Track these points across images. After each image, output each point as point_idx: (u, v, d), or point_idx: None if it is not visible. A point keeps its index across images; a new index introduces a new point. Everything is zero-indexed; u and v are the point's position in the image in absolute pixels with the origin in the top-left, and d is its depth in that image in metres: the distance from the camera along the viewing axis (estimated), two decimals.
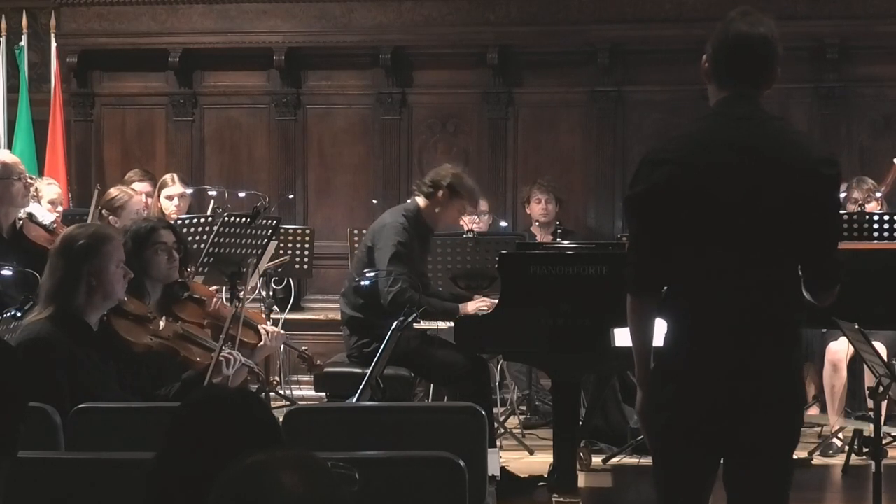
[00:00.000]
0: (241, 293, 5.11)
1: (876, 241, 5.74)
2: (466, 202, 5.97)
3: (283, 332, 4.94)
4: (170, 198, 7.00)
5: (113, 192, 6.53)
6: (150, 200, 7.08)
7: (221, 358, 4.26)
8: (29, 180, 5.61)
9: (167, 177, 7.19)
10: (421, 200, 5.95)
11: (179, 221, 5.97)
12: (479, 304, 5.87)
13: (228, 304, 5.25)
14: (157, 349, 4.24)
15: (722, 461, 3.13)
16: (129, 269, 4.08)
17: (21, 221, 5.45)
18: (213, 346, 4.37)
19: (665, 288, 3.12)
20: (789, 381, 3.08)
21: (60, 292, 3.95)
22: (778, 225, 3.01)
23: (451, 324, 5.91)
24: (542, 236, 7.70)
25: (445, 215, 5.97)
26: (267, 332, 4.77)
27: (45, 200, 6.65)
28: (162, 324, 4.30)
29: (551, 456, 5.37)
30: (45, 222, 5.59)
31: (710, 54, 3.13)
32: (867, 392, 4.58)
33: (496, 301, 5.74)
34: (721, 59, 3.10)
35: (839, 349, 6.32)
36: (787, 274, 3.08)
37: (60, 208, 6.85)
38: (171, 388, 4.20)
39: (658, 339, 3.15)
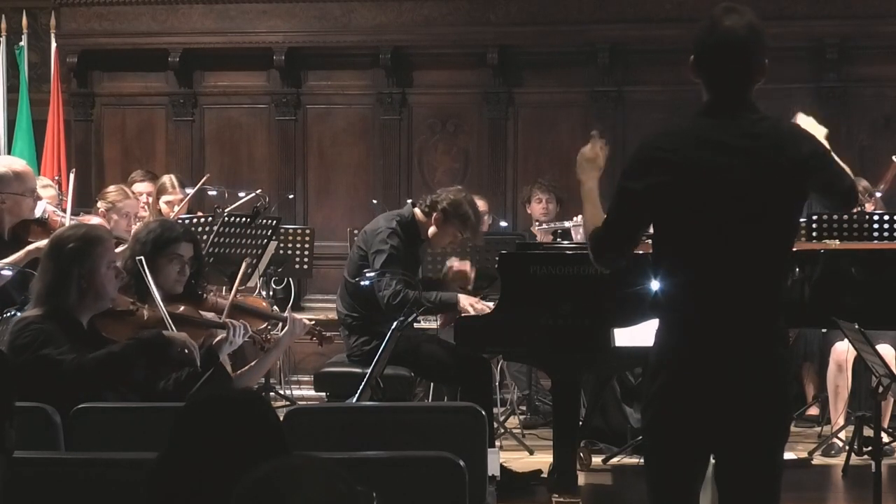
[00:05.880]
0: (236, 276, 5.07)
1: (876, 241, 5.73)
2: (458, 229, 5.98)
3: (306, 320, 4.90)
4: (169, 204, 6.99)
5: (111, 189, 6.57)
6: (150, 200, 7.09)
7: (229, 326, 4.23)
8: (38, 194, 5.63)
9: (166, 181, 7.11)
10: (419, 213, 5.97)
11: (179, 221, 5.96)
12: (473, 301, 5.87)
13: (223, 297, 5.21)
14: None
15: (713, 457, 3.14)
16: (121, 270, 4.07)
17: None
18: (204, 322, 4.31)
19: (658, 287, 3.14)
20: (778, 376, 3.09)
21: (51, 294, 3.93)
22: (770, 221, 3.04)
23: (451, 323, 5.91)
24: (542, 236, 7.70)
25: (437, 236, 5.98)
26: (279, 321, 4.72)
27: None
28: (146, 313, 4.19)
29: (551, 456, 5.36)
30: (36, 217, 5.57)
31: (695, 52, 3.13)
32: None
33: (487, 301, 5.76)
34: (707, 56, 3.11)
35: (844, 349, 6.31)
36: (774, 270, 3.10)
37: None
38: (178, 375, 4.11)
39: (649, 337, 3.17)
